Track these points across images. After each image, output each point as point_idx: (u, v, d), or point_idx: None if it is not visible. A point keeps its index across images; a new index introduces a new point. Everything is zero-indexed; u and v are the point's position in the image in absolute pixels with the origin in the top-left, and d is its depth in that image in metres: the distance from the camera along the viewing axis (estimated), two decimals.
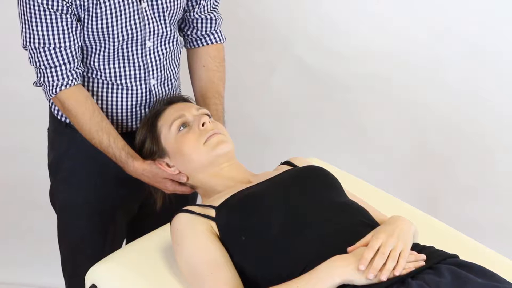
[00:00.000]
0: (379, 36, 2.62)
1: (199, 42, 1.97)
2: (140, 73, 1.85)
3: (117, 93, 1.85)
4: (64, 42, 1.73)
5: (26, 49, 1.76)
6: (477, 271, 1.40)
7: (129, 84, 1.85)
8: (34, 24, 1.70)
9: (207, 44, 1.97)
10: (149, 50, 1.83)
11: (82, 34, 1.76)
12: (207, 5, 1.93)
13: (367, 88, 2.70)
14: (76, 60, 1.77)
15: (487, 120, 2.65)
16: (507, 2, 2.53)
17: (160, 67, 1.87)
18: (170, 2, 1.81)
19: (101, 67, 1.82)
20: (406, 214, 1.60)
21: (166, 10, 1.81)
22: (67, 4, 1.69)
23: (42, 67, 1.75)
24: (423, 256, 1.41)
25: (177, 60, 1.95)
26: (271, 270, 1.45)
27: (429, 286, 1.33)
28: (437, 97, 2.66)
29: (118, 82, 1.84)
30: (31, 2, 1.68)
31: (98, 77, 1.84)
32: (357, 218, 1.53)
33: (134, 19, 1.77)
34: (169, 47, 1.88)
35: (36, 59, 1.74)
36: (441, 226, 1.81)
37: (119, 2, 1.74)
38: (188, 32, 1.97)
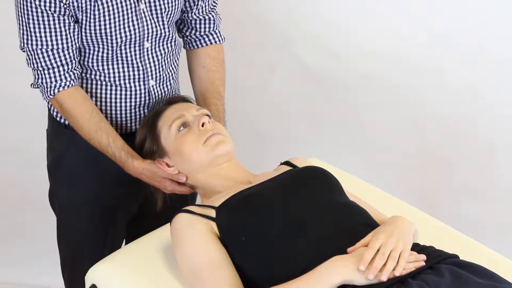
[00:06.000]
0: (379, 36, 2.62)
1: (198, 42, 1.97)
2: (138, 74, 1.85)
3: (115, 94, 1.85)
4: (62, 44, 1.73)
5: (24, 51, 1.75)
6: (477, 271, 1.40)
7: (127, 85, 1.85)
8: (31, 25, 1.70)
9: (206, 44, 1.96)
10: (148, 51, 1.83)
11: (80, 35, 1.76)
12: (205, 6, 1.93)
13: (367, 88, 2.70)
14: (74, 62, 1.77)
15: (487, 120, 2.65)
16: (507, 2, 2.53)
17: (159, 68, 1.87)
18: (168, 3, 1.81)
19: (100, 67, 1.82)
20: (406, 214, 1.60)
21: (164, 11, 1.81)
22: (65, 6, 1.69)
23: (40, 68, 1.75)
24: (423, 257, 1.41)
25: (175, 61, 1.94)
26: (271, 270, 1.45)
27: (429, 286, 1.33)
28: (437, 97, 2.66)
29: (117, 83, 1.84)
30: (29, 4, 1.68)
31: (97, 78, 1.84)
32: (357, 218, 1.53)
33: (132, 21, 1.77)
34: (168, 48, 1.87)
35: (34, 61, 1.74)
36: (441, 226, 1.81)
37: (117, 4, 1.74)
38: (187, 33, 1.96)
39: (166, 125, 1.75)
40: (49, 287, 2.86)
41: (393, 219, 1.50)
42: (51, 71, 1.75)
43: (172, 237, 1.57)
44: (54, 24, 1.70)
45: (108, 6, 1.73)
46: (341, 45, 2.66)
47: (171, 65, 1.92)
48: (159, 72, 1.88)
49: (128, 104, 1.87)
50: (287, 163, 1.78)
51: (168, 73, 1.91)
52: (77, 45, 1.77)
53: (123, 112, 1.87)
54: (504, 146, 2.67)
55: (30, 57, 1.74)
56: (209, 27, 1.95)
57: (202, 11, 1.93)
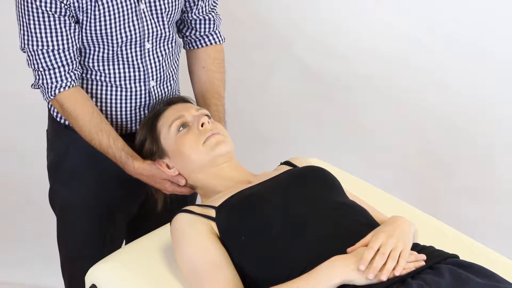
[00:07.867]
0: (379, 36, 2.62)
1: (198, 43, 1.97)
2: (139, 75, 1.85)
3: (116, 94, 1.85)
4: (62, 44, 1.73)
5: (24, 52, 1.75)
6: (477, 271, 1.40)
7: (128, 86, 1.85)
8: (32, 26, 1.70)
9: (206, 45, 1.96)
10: (148, 52, 1.83)
11: (80, 36, 1.76)
12: (205, 6, 1.92)
13: (367, 88, 2.70)
14: (74, 62, 1.77)
15: (487, 120, 2.65)
16: (507, 2, 2.53)
17: (160, 69, 1.87)
18: (168, 3, 1.81)
19: (100, 68, 1.82)
20: (406, 214, 1.60)
21: (164, 12, 1.81)
22: (65, 6, 1.69)
23: (41, 69, 1.75)
24: (423, 256, 1.41)
25: (176, 61, 1.94)
26: (271, 270, 1.45)
27: (429, 286, 1.33)
28: (437, 97, 2.66)
29: (118, 83, 1.84)
30: (29, 5, 1.68)
31: (98, 78, 1.84)
32: (357, 218, 1.53)
33: (133, 21, 1.77)
34: (168, 48, 1.87)
35: (34, 61, 1.74)
36: (441, 226, 1.81)
37: (117, 4, 1.74)
38: (187, 33, 1.96)
39: (166, 125, 1.75)
40: (49, 287, 2.86)
41: (393, 219, 1.50)
42: (51, 71, 1.75)
43: (172, 237, 1.57)
44: (55, 24, 1.70)
45: (108, 6, 1.73)
46: (341, 45, 2.66)
47: (172, 66, 1.92)
48: (160, 72, 1.88)
49: (128, 104, 1.87)
50: (287, 163, 1.78)
51: (169, 73, 1.91)
52: (78, 45, 1.77)
53: (124, 112, 1.87)
54: (504, 146, 2.67)
55: (31, 57, 1.74)
56: (209, 28, 1.95)
57: (202, 11, 1.93)
